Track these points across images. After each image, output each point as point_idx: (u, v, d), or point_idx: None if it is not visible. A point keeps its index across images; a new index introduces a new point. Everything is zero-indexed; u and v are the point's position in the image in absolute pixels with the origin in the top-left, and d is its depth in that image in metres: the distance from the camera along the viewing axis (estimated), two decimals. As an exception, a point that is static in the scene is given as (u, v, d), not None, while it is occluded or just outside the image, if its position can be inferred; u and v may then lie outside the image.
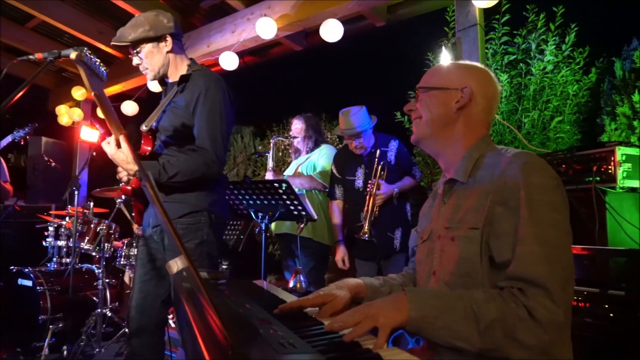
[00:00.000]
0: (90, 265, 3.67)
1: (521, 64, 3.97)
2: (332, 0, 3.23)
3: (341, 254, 3.09)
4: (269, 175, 3.22)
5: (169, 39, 1.93)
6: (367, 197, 2.84)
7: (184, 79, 1.92)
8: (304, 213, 2.51)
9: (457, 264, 1.02)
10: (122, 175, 1.83)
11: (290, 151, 3.94)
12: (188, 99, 1.86)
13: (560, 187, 0.97)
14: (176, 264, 1.05)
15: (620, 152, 1.91)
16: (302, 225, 2.60)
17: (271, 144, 3.39)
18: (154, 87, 4.38)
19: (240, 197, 2.55)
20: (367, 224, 2.82)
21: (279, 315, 1.02)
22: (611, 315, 1.66)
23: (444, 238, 1.10)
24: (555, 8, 3.88)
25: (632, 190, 1.99)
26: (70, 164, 5.67)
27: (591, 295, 1.72)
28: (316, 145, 3.30)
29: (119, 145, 1.65)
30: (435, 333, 0.89)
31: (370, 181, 2.85)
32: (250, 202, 2.56)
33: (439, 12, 4.06)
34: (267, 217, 2.55)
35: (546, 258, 0.88)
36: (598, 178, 1.93)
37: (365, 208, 2.84)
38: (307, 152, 3.31)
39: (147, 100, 5.14)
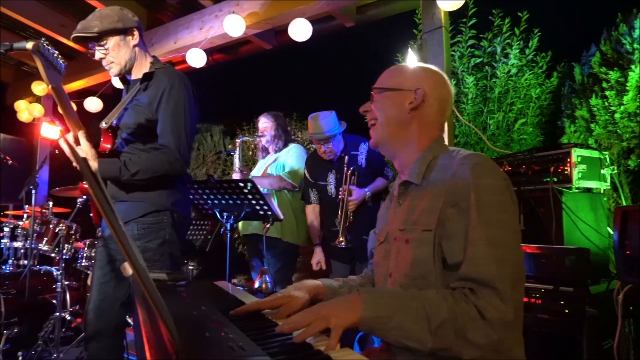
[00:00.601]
0: (49, 267, 3.53)
1: (487, 67, 4.07)
2: (301, 0, 3.22)
3: (317, 258, 3.11)
4: (235, 176, 3.17)
5: (136, 32, 1.89)
6: (340, 204, 2.85)
7: (147, 76, 1.88)
8: (269, 213, 2.48)
9: (411, 266, 1.03)
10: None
11: (257, 150, 3.90)
12: (151, 97, 1.83)
13: (509, 188, 0.99)
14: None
15: (576, 153, 1.98)
16: (268, 225, 2.57)
17: (237, 144, 3.32)
18: (119, 83, 4.26)
19: (205, 197, 2.50)
20: (342, 232, 2.82)
21: (234, 318, 1.00)
22: (566, 311, 1.72)
23: (399, 240, 1.10)
24: (520, 13, 4.00)
25: (587, 190, 2.06)
26: (30, 161, 5.45)
27: (546, 292, 1.78)
28: (285, 145, 3.27)
29: (77, 142, 1.60)
30: (388, 333, 0.89)
31: (341, 188, 2.86)
32: (215, 201, 2.51)
33: (409, 13, 4.12)
34: (232, 217, 2.51)
35: (495, 258, 0.89)
36: (555, 179, 1.99)
37: (339, 215, 2.85)
38: (276, 152, 3.27)
39: (112, 97, 4.99)
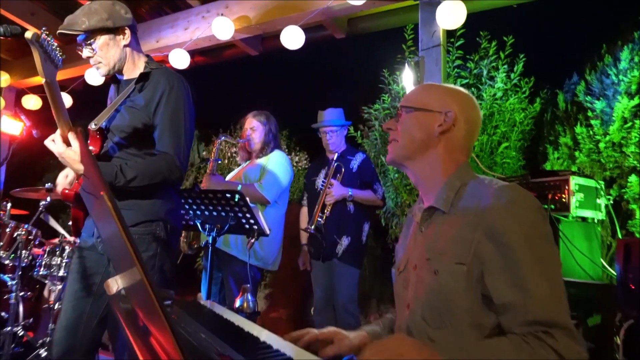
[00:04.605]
0: (2, 275, 3.28)
1: (472, 89, 4.14)
2: (295, 7, 3.18)
3: (302, 257, 3.25)
4: (211, 181, 2.96)
5: (127, 31, 1.81)
6: (320, 194, 3.02)
7: (143, 77, 1.80)
8: (255, 227, 2.38)
9: (437, 299, 0.99)
10: (62, 176, 1.65)
11: (238, 158, 3.74)
12: (148, 98, 1.75)
13: (546, 218, 0.98)
14: (116, 283, 0.91)
15: (574, 181, 2.00)
16: (252, 240, 2.46)
17: (216, 144, 3.12)
18: (93, 79, 4.07)
19: (187, 207, 2.38)
20: (313, 218, 2.97)
21: (239, 346, 0.93)
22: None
23: (421, 269, 1.06)
24: (506, 37, 4.10)
25: (583, 219, 2.08)
26: (-16, 158, 5.11)
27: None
28: (271, 152, 3.05)
29: (67, 143, 1.52)
30: None
31: (324, 179, 3.05)
32: (198, 212, 2.40)
33: (397, 29, 4.15)
34: (215, 230, 2.40)
35: (555, 295, 0.88)
36: (553, 206, 2.00)
37: (317, 205, 2.98)
38: (257, 157, 3.05)
39: (83, 94, 4.77)
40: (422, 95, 1.16)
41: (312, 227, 2.95)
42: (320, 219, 2.99)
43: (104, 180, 0.71)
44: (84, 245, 1.80)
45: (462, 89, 1.19)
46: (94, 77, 4.08)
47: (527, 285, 0.88)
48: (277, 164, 2.97)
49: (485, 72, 4.12)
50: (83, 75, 4.20)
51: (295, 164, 5.95)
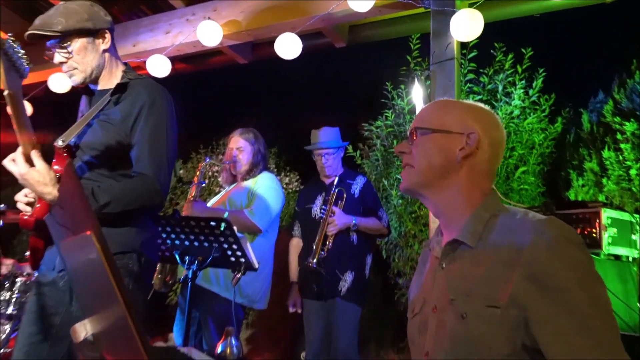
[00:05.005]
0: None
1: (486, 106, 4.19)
2: (292, 12, 3.21)
3: (293, 297, 3.15)
4: (195, 209, 2.92)
5: (107, 35, 1.81)
6: (321, 224, 2.98)
7: (120, 87, 1.79)
8: (242, 260, 2.35)
9: (466, 347, 0.97)
10: (23, 200, 1.62)
11: (220, 179, 3.71)
12: (125, 113, 1.73)
13: (591, 256, 0.99)
14: (84, 329, 0.88)
15: (606, 214, 2.00)
16: (238, 275, 2.42)
17: (200, 168, 3.11)
18: (58, 86, 4.05)
19: (165, 236, 2.34)
20: (315, 251, 2.91)
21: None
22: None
23: (443, 311, 1.04)
24: (524, 50, 4.17)
25: (617, 258, 2.08)
26: None
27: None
28: (259, 173, 3.02)
29: (30, 162, 1.50)
30: None
31: (324, 207, 3.01)
32: (177, 242, 2.36)
33: (402, 38, 4.22)
34: (196, 263, 2.36)
35: (617, 342, 0.89)
36: (582, 242, 1.99)
37: (318, 235, 2.94)
38: (243, 180, 3.03)
39: (45, 102, 4.74)
40: (439, 114, 1.15)
41: (314, 260, 2.90)
42: (322, 252, 2.95)
43: (94, 217, 0.70)
44: (43, 280, 1.75)
45: (483, 106, 1.18)
46: (59, 83, 4.05)
47: (589, 333, 0.88)
48: (267, 187, 2.95)
49: (500, 88, 4.18)
50: (45, 82, 4.18)
51: (284, 186, 5.94)
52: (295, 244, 3.26)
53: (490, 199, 1.11)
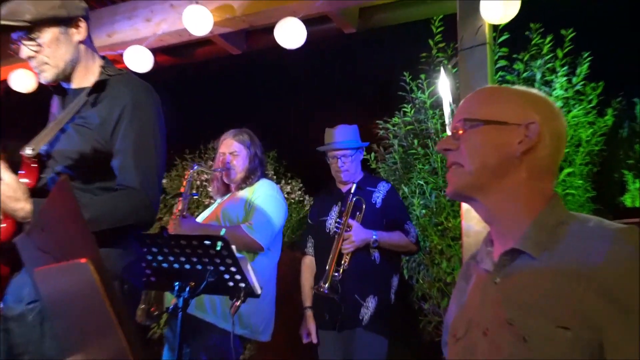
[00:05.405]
0: None
1: (522, 97, 4.18)
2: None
3: (307, 325, 3.13)
4: (177, 225, 2.92)
5: (82, 24, 1.82)
6: (335, 239, 2.93)
7: (98, 86, 1.80)
8: (242, 285, 2.34)
9: None
10: None
11: (210, 189, 3.71)
12: (105, 115, 1.75)
13: None
14: None
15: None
16: (237, 303, 2.41)
17: (187, 176, 3.07)
18: (21, 85, 4.08)
19: (150, 258, 2.34)
20: (328, 275, 2.85)
21: None
22: None
23: (498, 334, 1.03)
24: (564, 31, 4.15)
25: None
26: None
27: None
28: (257, 181, 3.02)
29: None
30: None
31: (339, 219, 2.98)
32: (165, 265, 2.35)
33: (422, 21, 4.22)
34: (187, 290, 2.35)
35: None
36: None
37: (331, 254, 2.89)
38: (238, 189, 3.03)
39: (5, 104, 4.78)
40: (491, 102, 1.16)
41: (327, 285, 2.84)
42: (336, 274, 2.91)
43: (93, 242, 0.69)
44: (9, 313, 1.75)
45: (540, 92, 1.19)
46: (22, 81, 4.08)
47: None
48: (267, 197, 2.94)
49: (538, 76, 4.16)
50: (5, 80, 4.21)
51: (286, 196, 5.95)
52: (309, 263, 3.25)
53: (555, 203, 1.11)
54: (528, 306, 1.00)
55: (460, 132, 1.15)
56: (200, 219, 3.15)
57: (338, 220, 3.00)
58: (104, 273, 0.58)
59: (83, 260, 0.57)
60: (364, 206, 3.01)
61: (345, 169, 3.12)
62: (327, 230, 3.12)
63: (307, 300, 3.18)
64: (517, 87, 1.21)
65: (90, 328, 0.62)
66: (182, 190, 3.08)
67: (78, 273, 0.58)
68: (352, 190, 3.02)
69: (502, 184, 1.11)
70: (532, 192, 1.11)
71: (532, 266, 1.04)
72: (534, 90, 1.20)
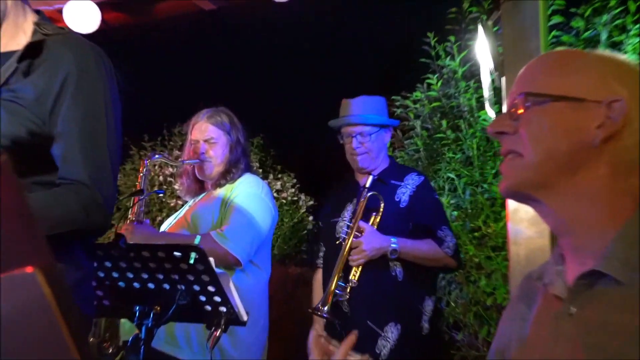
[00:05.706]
0: None
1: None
2: None
3: (315, 348, 3.10)
4: (130, 232, 2.91)
5: None
6: (342, 248, 2.92)
7: (32, 49, 1.80)
8: (223, 309, 2.35)
9: None
10: None
11: (177, 186, 3.73)
12: (41, 88, 1.75)
13: None
14: None
15: None
16: (217, 334, 2.43)
17: (142, 170, 3.12)
18: None
19: (103, 275, 2.36)
20: (329, 293, 2.84)
21: None
22: None
23: None
24: (636, -23, 4.17)
25: None
26: None
27: None
28: (240, 176, 3.07)
29: None
30: None
31: (349, 222, 2.98)
32: (121, 283, 2.37)
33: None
34: (151, 316, 2.36)
35: None
36: None
37: (336, 267, 2.88)
38: (215, 187, 3.08)
39: None
40: (561, 72, 1.15)
41: (326, 308, 2.82)
42: (339, 292, 2.88)
43: (45, 246, 0.68)
44: None
45: (628, 59, 1.18)
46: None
47: None
48: (249, 196, 2.99)
49: (604, 36, 4.18)
50: None
51: (275, 195, 5.98)
52: (320, 279, 3.28)
53: None
54: (616, 347, 1.00)
55: (520, 110, 1.14)
56: (165, 226, 3.16)
57: (347, 223, 2.99)
58: (57, 285, 0.56)
59: (29, 270, 0.56)
60: (381, 204, 2.96)
61: (363, 151, 3.09)
62: (336, 235, 3.12)
63: (319, 327, 3.08)
64: (598, 51, 1.20)
65: (37, 355, 0.61)
66: (137, 186, 3.09)
67: (22, 287, 0.57)
68: (368, 184, 2.98)
69: (574, 182, 1.11)
70: (615, 194, 1.10)
71: (619, 293, 1.04)
72: (621, 56, 1.18)
